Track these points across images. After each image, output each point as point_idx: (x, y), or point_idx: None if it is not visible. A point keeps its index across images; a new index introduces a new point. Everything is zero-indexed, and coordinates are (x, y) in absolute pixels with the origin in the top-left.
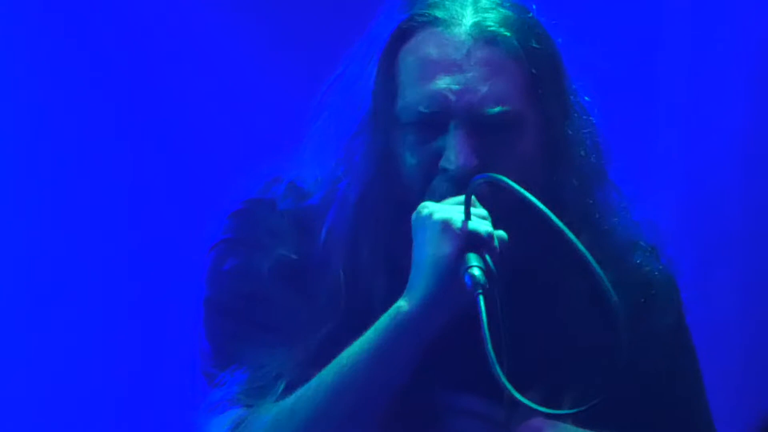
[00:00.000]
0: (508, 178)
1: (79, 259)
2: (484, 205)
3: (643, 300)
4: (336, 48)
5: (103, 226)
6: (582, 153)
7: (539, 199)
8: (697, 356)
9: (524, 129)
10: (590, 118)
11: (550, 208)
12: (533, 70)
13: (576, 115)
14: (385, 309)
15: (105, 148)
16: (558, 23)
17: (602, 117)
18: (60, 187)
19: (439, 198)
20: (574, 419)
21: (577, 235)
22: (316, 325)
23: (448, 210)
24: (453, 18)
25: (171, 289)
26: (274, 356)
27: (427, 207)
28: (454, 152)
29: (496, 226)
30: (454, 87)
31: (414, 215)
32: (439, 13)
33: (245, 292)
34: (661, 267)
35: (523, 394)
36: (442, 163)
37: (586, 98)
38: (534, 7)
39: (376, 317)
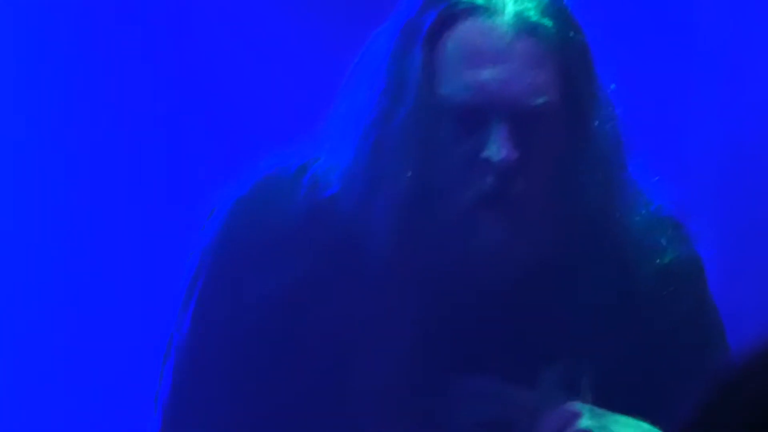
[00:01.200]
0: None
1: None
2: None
3: (665, 293)
4: (359, 26)
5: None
6: (606, 146)
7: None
8: (725, 332)
9: (559, 120)
10: (614, 110)
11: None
12: (569, 61)
13: (602, 107)
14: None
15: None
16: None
17: (626, 105)
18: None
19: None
20: (602, 402)
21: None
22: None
23: None
24: (494, 6)
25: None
26: None
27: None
28: (498, 144)
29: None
30: (498, 78)
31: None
32: (478, 1)
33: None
34: (684, 251)
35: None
36: (486, 153)
37: (612, 86)
38: None
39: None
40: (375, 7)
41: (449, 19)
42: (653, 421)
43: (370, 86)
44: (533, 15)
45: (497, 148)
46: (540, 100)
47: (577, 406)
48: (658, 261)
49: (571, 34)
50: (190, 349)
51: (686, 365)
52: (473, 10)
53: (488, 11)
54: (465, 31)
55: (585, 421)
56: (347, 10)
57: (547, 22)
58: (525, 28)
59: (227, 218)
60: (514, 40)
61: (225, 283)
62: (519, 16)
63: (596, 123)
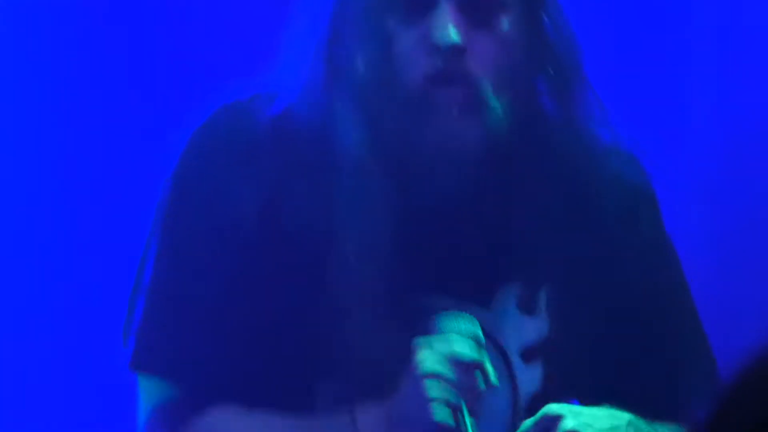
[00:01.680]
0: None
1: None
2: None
3: (623, 206)
4: None
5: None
6: (558, 46)
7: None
8: (682, 269)
9: (508, 11)
10: (566, 17)
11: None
12: None
13: (552, 5)
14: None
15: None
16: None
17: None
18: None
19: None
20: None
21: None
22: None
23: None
24: None
25: None
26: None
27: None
28: (443, 28)
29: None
30: None
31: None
32: None
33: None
34: (640, 180)
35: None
36: (431, 38)
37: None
38: None
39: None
40: None
41: None
42: (607, 346)
43: None
44: None
45: (442, 31)
46: None
47: (555, 408)
48: (613, 181)
49: None
50: (162, 270)
51: (642, 288)
52: None
53: None
54: None
55: (568, 423)
56: None
57: None
58: None
59: (189, 146)
60: None
61: (194, 203)
62: None
63: (546, 19)
